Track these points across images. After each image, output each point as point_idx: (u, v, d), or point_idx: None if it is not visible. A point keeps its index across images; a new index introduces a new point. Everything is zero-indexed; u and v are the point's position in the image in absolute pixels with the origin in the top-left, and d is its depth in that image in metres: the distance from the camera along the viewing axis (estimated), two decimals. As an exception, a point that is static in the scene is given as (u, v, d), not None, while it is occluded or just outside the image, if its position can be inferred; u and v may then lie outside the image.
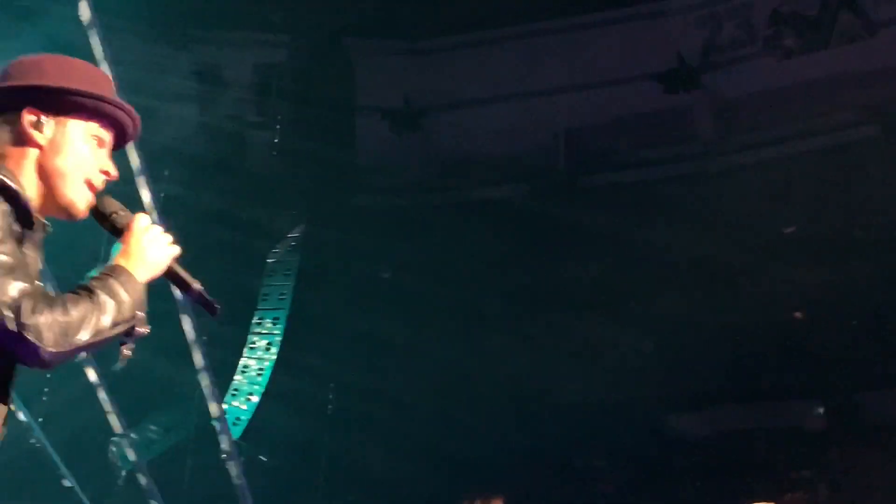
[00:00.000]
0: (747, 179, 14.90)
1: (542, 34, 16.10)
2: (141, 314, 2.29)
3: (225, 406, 13.15)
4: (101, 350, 2.30)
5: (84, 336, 2.14)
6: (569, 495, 14.51)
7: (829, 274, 15.12)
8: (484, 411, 14.50)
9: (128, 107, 2.40)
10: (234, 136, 15.15)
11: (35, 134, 2.31)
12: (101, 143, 2.41)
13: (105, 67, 9.15)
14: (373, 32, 16.01)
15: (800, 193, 14.94)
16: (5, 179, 2.18)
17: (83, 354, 2.02)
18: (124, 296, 2.23)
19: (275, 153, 14.97)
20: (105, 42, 10.42)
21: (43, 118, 2.31)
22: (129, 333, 2.30)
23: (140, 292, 2.30)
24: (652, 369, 15.78)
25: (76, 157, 2.32)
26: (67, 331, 2.12)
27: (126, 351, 2.33)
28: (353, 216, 15.23)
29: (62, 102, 2.30)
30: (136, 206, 8.80)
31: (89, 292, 2.21)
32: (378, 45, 16.21)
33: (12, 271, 2.09)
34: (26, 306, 2.08)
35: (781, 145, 15.15)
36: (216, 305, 2.57)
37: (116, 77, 9.22)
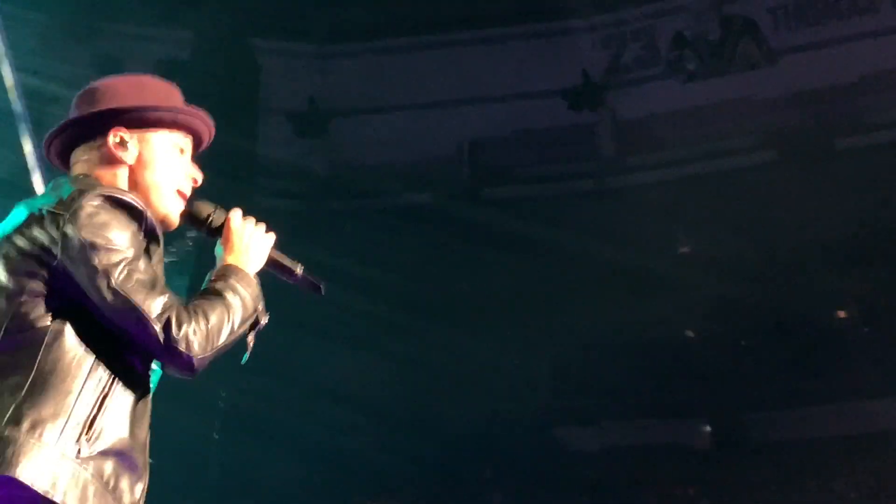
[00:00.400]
0: (646, 199, 15.12)
1: (450, 45, 16.15)
2: (261, 307, 2.42)
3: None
4: None
5: (223, 339, 2.29)
6: (458, 505, 14.55)
7: (721, 295, 15.41)
8: (377, 419, 14.45)
9: (202, 113, 2.51)
10: (135, 132, 14.88)
11: (121, 153, 2.41)
12: (182, 151, 2.52)
13: (4, 58, 8.91)
14: (281, 34, 15.87)
15: (696, 214, 15.20)
16: (132, 200, 2.29)
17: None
18: (245, 293, 2.36)
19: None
20: (3, 29, 10.15)
21: (127, 137, 2.41)
22: (253, 326, 2.42)
23: (256, 286, 2.42)
24: (544, 383, 15.90)
25: (164, 169, 2.44)
26: (210, 337, 2.26)
27: (251, 343, 2.45)
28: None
29: (142, 119, 2.41)
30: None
31: (218, 296, 2.34)
32: (285, 47, 16.08)
33: (153, 287, 2.23)
34: (173, 320, 2.21)
35: (681, 166, 15.42)
36: (320, 285, 2.64)
37: (15, 65, 9.01)
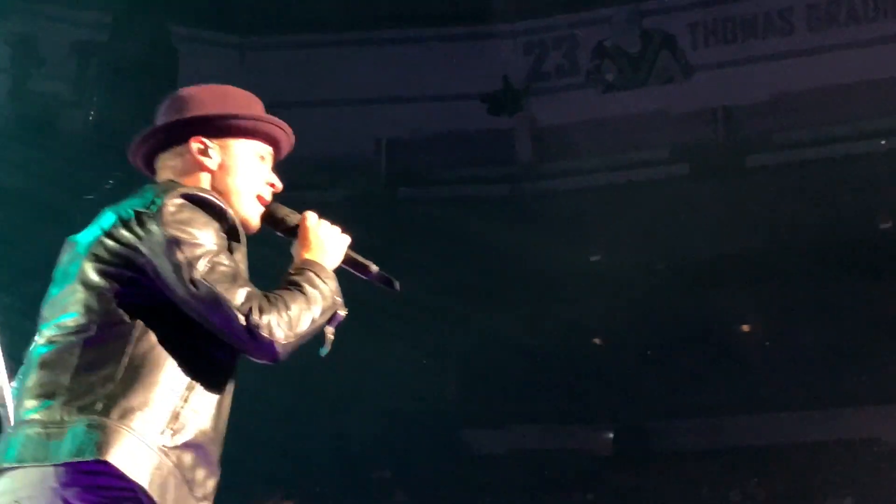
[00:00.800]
0: (561, 206, 15.24)
1: (372, 43, 16.12)
2: (339, 299, 2.50)
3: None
4: None
5: (304, 327, 2.38)
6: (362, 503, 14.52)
7: (630, 304, 15.59)
8: (279, 415, 14.36)
9: (281, 122, 2.63)
10: (46, 113, 14.59)
11: (204, 160, 2.52)
12: (263, 158, 2.64)
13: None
14: (202, 23, 15.70)
15: (609, 223, 15.35)
16: (214, 199, 2.41)
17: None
18: (324, 286, 2.44)
19: (88, 136, 14.49)
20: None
21: (208, 144, 2.52)
22: (331, 319, 2.51)
23: (334, 280, 2.50)
24: (452, 384, 15.95)
25: (244, 175, 2.55)
26: (292, 324, 2.34)
27: (330, 336, 2.53)
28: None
29: (223, 127, 2.53)
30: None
31: (298, 287, 2.42)
32: (206, 36, 15.90)
33: (235, 279, 2.32)
34: (255, 307, 2.30)
35: (596, 175, 15.58)
36: (395, 282, 2.72)
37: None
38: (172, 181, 2.49)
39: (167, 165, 2.56)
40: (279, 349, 2.34)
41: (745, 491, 16.52)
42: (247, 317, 2.28)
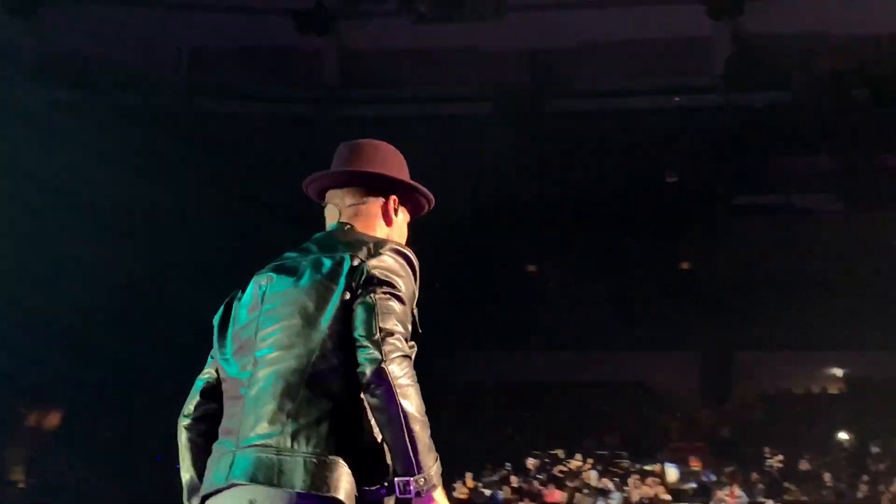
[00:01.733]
0: (363, 133, 15.06)
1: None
2: (426, 481, 2.47)
3: None
4: None
5: (404, 399, 2.44)
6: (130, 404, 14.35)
7: (422, 236, 15.69)
8: (45, 327, 13.96)
9: (432, 198, 2.91)
10: None
11: (393, 216, 2.84)
12: (409, 222, 2.95)
13: None
14: None
15: (408, 156, 15.35)
16: (414, 258, 2.63)
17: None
18: (434, 455, 2.49)
19: None
20: None
21: (398, 205, 2.84)
22: (403, 480, 2.47)
23: (437, 472, 2.48)
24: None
25: (403, 235, 2.87)
26: (406, 379, 2.43)
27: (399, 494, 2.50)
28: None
29: (407, 194, 2.84)
30: None
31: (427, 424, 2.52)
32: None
33: (399, 320, 2.49)
34: (398, 338, 2.45)
35: (400, 105, 15.56)
36: None
37: None
38: (366, 231, 2.78)
39: (352, 205, 2.84)
40: (384, 368, 2.44)
41: (518, 425, 17.13)
42: (383, 338, 2.46)
